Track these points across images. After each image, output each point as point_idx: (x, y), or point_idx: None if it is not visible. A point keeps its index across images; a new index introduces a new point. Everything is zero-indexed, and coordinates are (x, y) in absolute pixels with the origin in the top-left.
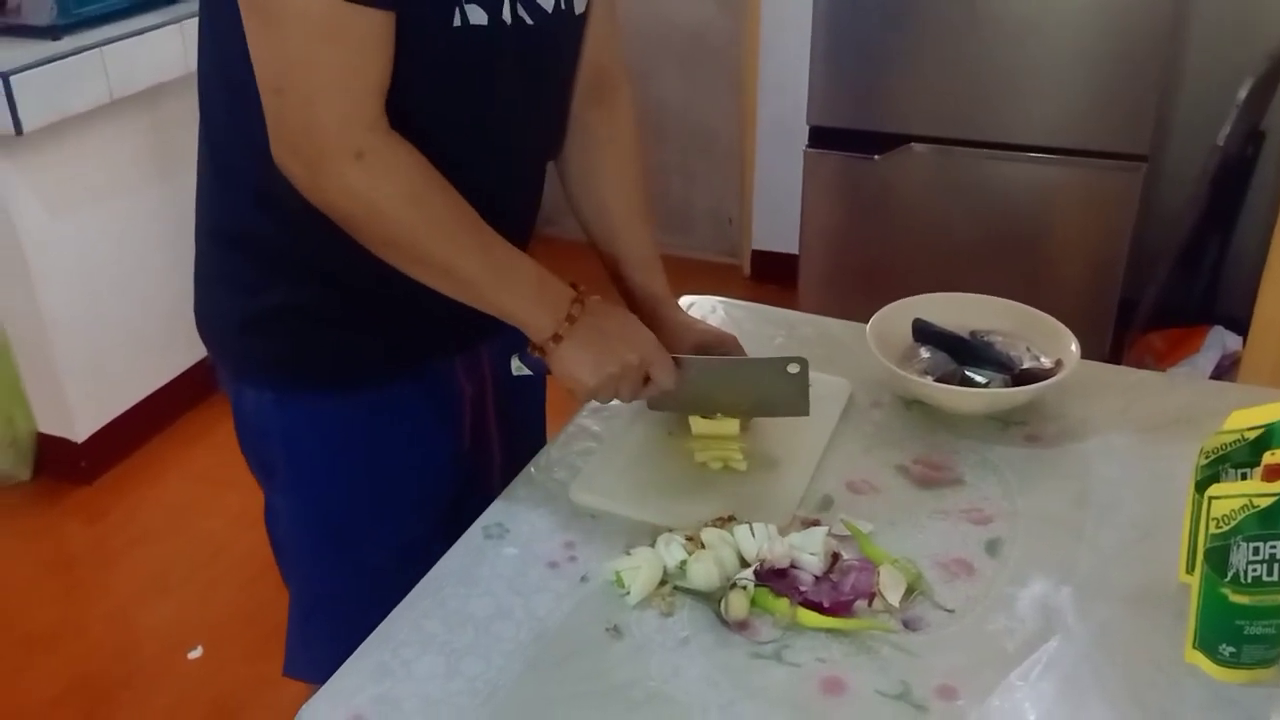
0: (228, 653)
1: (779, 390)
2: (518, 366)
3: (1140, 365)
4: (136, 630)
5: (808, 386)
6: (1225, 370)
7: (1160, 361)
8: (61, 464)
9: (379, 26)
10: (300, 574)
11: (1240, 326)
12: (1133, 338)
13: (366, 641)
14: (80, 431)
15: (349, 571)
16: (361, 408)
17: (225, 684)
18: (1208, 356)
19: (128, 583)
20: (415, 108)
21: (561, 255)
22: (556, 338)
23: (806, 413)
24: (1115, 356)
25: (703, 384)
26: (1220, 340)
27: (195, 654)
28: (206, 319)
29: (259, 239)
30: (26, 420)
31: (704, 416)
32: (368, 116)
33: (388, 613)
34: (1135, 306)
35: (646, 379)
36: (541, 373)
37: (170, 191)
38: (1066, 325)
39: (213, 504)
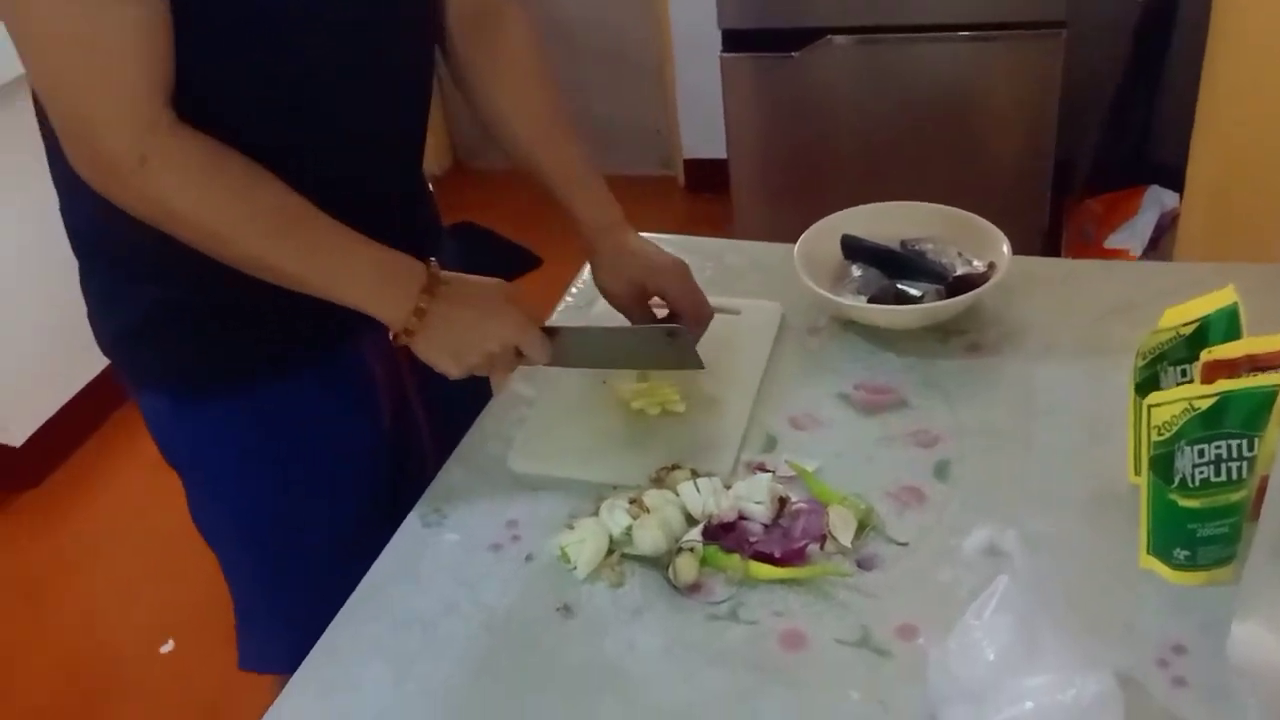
0: (202, 643)
1: (667, 352)
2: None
3: (1081, 233)
4: (108, 632)
5: (692, 345)
6: (1165, 229)
7: (1100, 227)
8: (3, 471)
9: (137, 21)
10: (234, 572)
11: (1176, 178)
12: (1071, 207)
13: (309, 657)
14: (17, 435)
15: (283, 569)
16: (264, 406)
17: (205, 675)
18: (1146, 218)
19: (91, 585)
20: (227, 95)
21: (488, 188)
22: (408, 332)
23: (701, 366)
24: (1055, 227)
25: (585, 351)
26: (1158, 199)
27: (167, 648)
28: (94, 328)
29: (115, 244)
30: None
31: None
32: (144, 118)
33: (331, 601)
34: (1072, 169)
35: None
36: None
37: None
38: (1003, 202)
39: (167, 492)
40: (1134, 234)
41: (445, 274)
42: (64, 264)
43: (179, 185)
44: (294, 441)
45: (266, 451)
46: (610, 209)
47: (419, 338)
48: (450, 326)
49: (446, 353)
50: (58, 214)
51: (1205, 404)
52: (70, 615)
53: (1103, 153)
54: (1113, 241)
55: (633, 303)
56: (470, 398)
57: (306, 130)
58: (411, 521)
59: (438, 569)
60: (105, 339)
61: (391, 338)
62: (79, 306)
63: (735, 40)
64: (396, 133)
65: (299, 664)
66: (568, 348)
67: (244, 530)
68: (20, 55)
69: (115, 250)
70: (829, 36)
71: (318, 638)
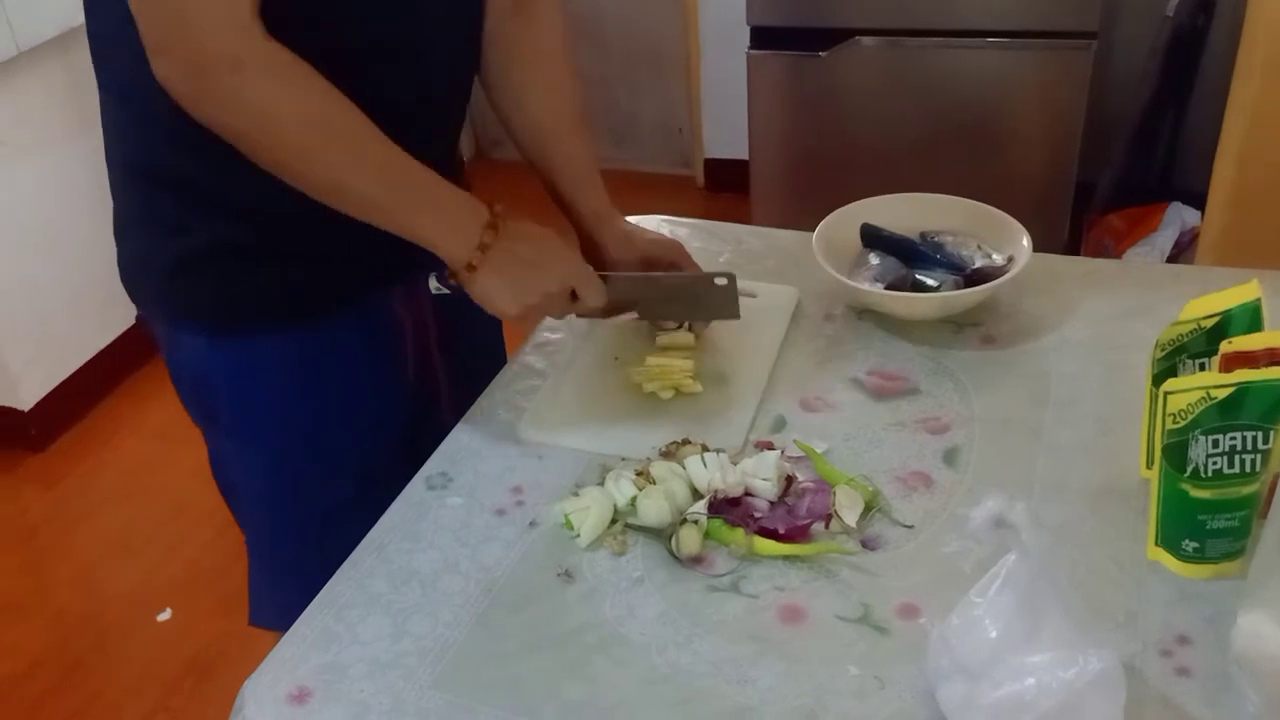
0: (197, 611)
1: (709, 299)
2: (435, 286)
3: (1100, 247)
4: (103, 595)
5: (737, 295)
6: (1185, 246)
7: (1120, 242)
8: (11, 433)
9: None
10: (255, 519)
11: (1198, 200)
12: (1091, 220)
13: (309, 608)
14: (26, 399)
15: (303, 512)
16: (298, 345)
17: (197, 642)
18: (1166, 234)
19: (90, 548)
20: (322, 26)
21: (507, 178)
22: (470, 267)
23: (738, 316)
24: (1074, 240)
25: (631, 298)
26: (1179, 216)
27: (164, 616)
28: (133, 266)
29: (178, 177)
30: None
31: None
32: (240, 20)
33: (347, 551)
34: (1093, 189)
35: (574, 295)
36: (461, 293)
37: (94, 142)
38: (1024, 212)
39: (170, 461)
40: (1153, 249)
41: (506, 213)
42: (78, 228)
43: (273, 89)
44: (324, 383)
45: (297, 390)
46: (607, 201)
47: (480, 273)
48: (511, 263)
49: (507, 290)
50: (73, 175)
51: (1223, 393)
52: (66, 578)
53: (1126, 171)
54: (1131, 256)
55: None
56: (486, 364)
57: (385, 69)
58: (417, 484)
59: (440, 530)
60: (151, 274)
61: (448, 274)
62: (94, 273)
63: (763, 38)
64: (453, 88)
65: None
66: (617, 293)
67: (269, 476)
68: None
69: (180, 182)
70: (857, 37)
71: None
